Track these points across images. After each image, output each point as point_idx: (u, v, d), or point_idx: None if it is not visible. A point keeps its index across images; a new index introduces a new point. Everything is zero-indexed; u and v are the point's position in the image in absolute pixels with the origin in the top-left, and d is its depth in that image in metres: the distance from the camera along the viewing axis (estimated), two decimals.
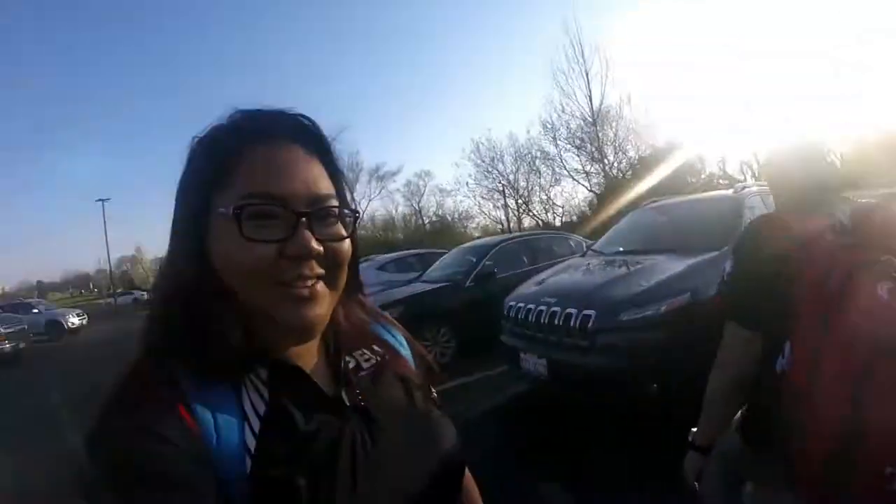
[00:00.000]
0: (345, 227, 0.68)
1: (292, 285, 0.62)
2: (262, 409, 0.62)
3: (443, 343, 6.85)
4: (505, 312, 4.82)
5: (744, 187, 5.50)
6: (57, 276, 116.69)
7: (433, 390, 0.84)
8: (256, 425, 0.61)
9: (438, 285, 7.36)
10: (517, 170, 28.74)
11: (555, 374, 4.06)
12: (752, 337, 1.41)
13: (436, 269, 8.49)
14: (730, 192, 5.35)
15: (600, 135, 24.22)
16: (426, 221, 34.91)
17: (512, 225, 28.70)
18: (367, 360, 0.78)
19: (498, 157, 29.13)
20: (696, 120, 29.44)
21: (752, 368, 1.42)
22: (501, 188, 29.14)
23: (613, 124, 24.53)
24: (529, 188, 28.89)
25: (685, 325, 3.62)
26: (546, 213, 28.80)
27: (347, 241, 0.68)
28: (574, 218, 27.14)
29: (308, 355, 0.71)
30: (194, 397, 0.59)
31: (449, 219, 34.07)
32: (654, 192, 16.48)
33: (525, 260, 7.97)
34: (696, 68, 36.09)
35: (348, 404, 0.69)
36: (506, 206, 29.29)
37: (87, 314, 23.68)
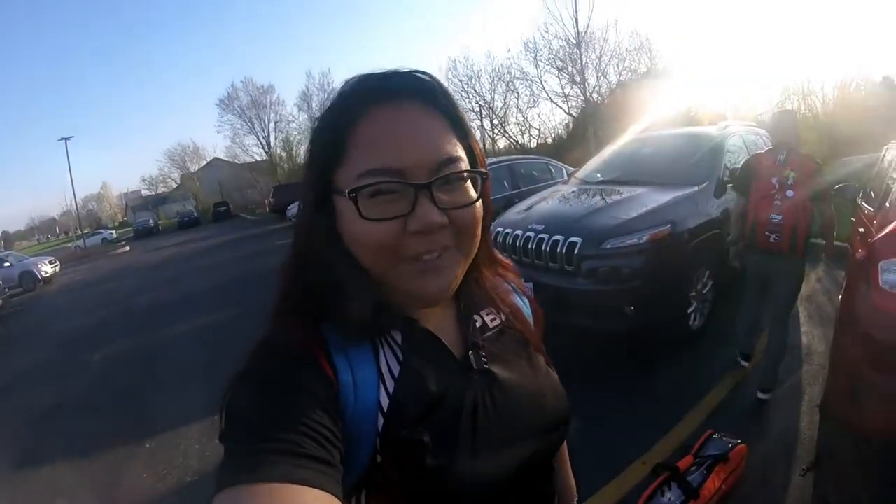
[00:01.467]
0: (474, 188, 0.66)
1: (419, 259, 0.62)
2: (396, 369, 0.65)
3: None
4: (493, 238, 4.90)
5: (727, 125, 5.70)
6: (21, 224, 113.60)
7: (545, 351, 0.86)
8: (391, 385, 0.63)
9: None
10: (494, 90, 28.36)
11: (540, 297, 4.28)
12: (742, 199, 3.54)
13: None
14: (713, 129, 5.56)
15: (583, 57, 23.83)
16: None
17: (486, 146, 28.50)
18: (492, 320, 0.78)
19: (475, 75, 28.66)
20: (682, 50, 29.11)
21: (743, 210, 3.52)
22: (478, 108, 28.73)
23: (597, 47, 24.12)
24: (506, 109, 28.61)
25: (664, 254, 3.93)
26: (522, 135, 28.68)
27: (477, 203, 0.65)
28: (549, 140, 27.13)
29: (439, 315, 0.73)
30: (337, 355, 0.62)
31: None
32: (632, 118, 16.65)
33: (506, 185, 8.09)
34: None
35: (475, 367, 0.71)
36: (481, 126, 28.92)
37: (59, 260, 22.93)
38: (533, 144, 27.65)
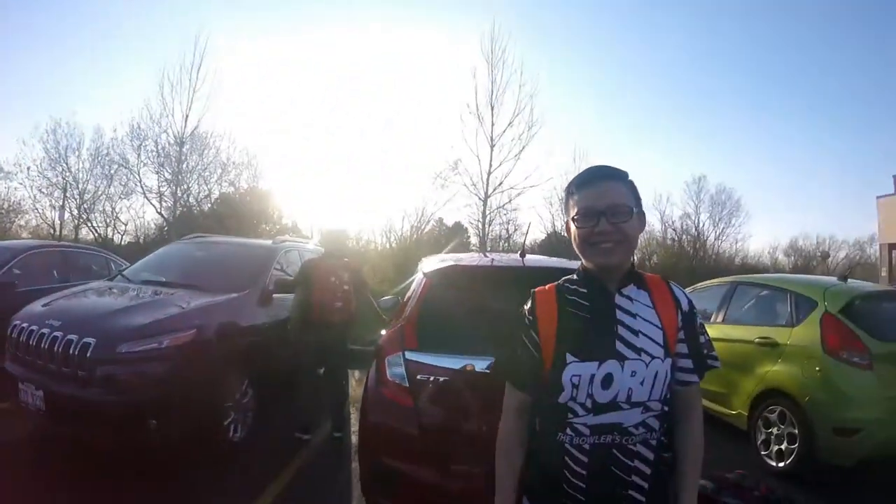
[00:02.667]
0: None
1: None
2: None
3: None
4: (9, 333, 4.07)
5: (284, 240, 6.14)
6: None
7: None
8: None
9: None
10: (91, 170, 24.31)
11: (52, 408, 3.64)
12: (303, 292, 4.69)
13: None
14: (269, 242, 5.92)
15: (187, 159, 22.85)
16: None
17: (66, 232, 24.04)
18: None
19: (75, 147, 23.51)
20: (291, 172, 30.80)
21: (305, 299, 4.68)
22: (65, 185, 24.27)
23: (205, 152, 23.43)
24: (96, 195, 24.80)
25: (189, 360, 3.76)
26: (107, 227, 25.31)
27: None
28: (141, 240, 24.76)
29: None
30: None
31: None
32: (225, 230, 16.97)
33: (56, 274, 7.00)
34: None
35: None
36: (63, 207, 24.22)
37: None
38: (117, 240, 24.71)
